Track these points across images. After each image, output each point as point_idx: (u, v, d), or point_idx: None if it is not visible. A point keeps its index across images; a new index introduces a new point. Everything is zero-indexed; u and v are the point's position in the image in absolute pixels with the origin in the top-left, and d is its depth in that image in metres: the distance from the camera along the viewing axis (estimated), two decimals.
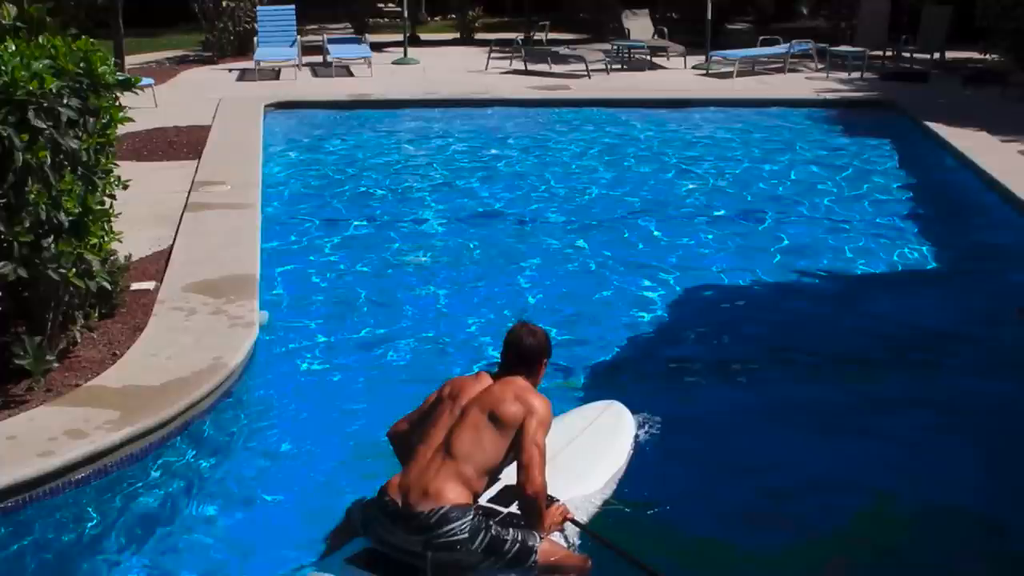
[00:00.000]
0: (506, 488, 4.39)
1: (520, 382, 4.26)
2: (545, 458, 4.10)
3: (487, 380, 4.31)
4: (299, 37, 18.20)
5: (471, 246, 8.92)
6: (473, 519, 3.93)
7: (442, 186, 10.99)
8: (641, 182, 11.18)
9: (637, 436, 5.28)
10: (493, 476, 4.21)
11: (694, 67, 18.07)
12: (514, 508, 4.29)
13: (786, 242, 9.08)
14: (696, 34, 18.64)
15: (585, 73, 17.03)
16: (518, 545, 3.99)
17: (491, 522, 4.03)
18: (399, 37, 20.08)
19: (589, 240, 9.14)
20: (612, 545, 4.25)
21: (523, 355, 4.36)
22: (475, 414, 4.12)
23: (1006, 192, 9.84)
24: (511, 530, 4.04)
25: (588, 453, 4.93)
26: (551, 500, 4.28)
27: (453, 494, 3.93)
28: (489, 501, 4.35)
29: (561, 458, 4.65)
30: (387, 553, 4.03)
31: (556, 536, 4.25)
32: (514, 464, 4.14)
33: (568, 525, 4.35)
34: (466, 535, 3.89)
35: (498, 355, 4.52)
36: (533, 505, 4.09)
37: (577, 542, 4.35)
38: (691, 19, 20.25)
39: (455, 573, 3.97)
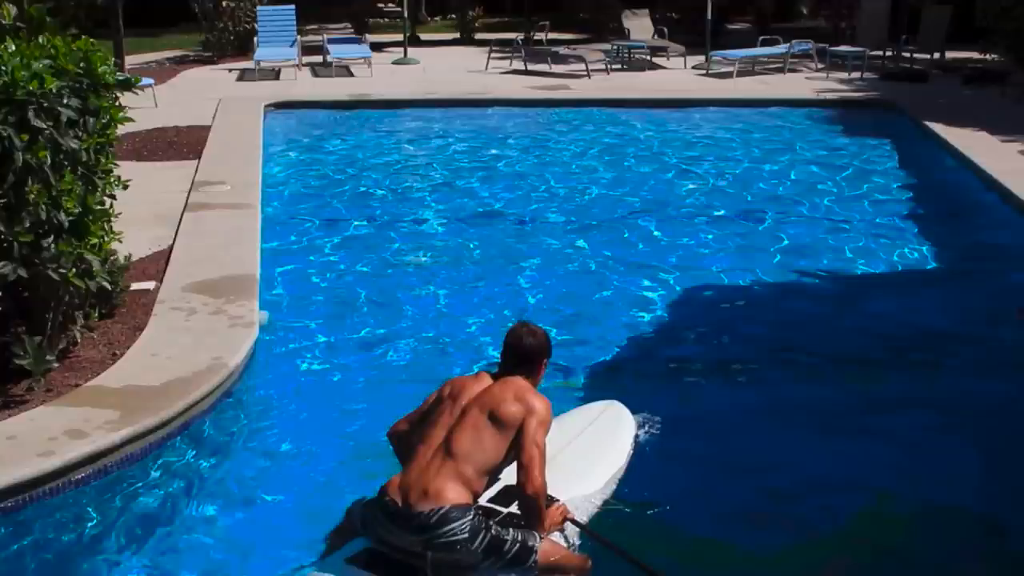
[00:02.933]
0: (506, 488, 4.39)
1: (520, 382, 4.26)
2: (545, 458, 4.10)
3: (487, 380, 4.31)
4: (299, 37, 18.19)
5: (471, 246, 8.92)
6: (473, 519, 3.93)
7: (442, 186, 10.99)
8: (641, 182, 11.18)
9: (637, 436, 5.28)
10: (493, 476, 4.21)
11: (694, 67, 18.07)
12: (514, 508, 4.29)
13: (786, 242, 9.08)
14: (696, 34, 18.64)
15: (585, 73, 17.03)
16: (518, 545, 3.99)
17: (491, 522, 4.03)
18: (399, 37, 20.09)
19: (589, 240, 9.14)
20: (612, 545, 4.25)
21: (523, 355, 4.36)
22: (475, 414, 4.12)
23: (1006, 192, 9.83)
24: (511, 530, 4.04)
25: (588, 453, 4.93)
26: (551, 500, 4.28)
27: (453, 494, 3.93)
28: (489, 501, 4.35)
29: (561, 458, 4.65)
30: (387, 553, 4.03)
31: (556, 536, 4.25)
32: (514, 464, 4.14)
33: (568, 525, 4.34)
34: (466, 535, 3.89)
35: (498, 355, 4.52)
36: (533, 505, 4.09)
37: (577, 542, 4.35)
38: (691, 19, 20.24)
39: (455, 573, 3.97)
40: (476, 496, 4.07)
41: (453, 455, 4.02)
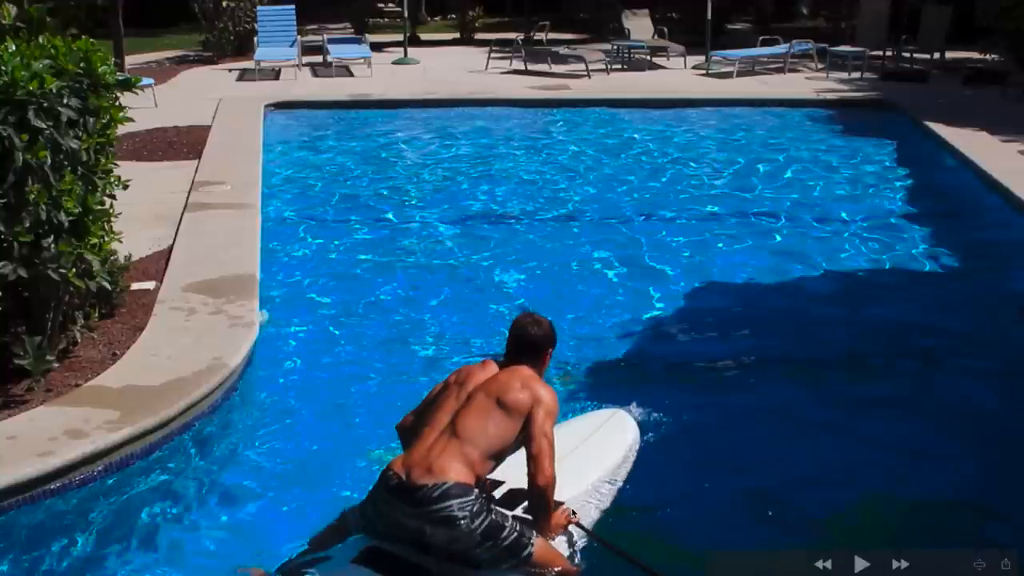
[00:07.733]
0: (511, 492, 4.39)
1: (526, 371, 4.27)
2: (554, 449, 4.10)
3: (494, 367, 4.32)
4: (299, 37, 18.18)
5: (471, 246, 8.91)
6: (475, 499, 3.92)
7: (442, 186, 11.00)
8: (641, 182, 11.17)
9: (640, 444, 5.24)
10: (497, 461, 4.17)
11: (694, 67, 18.06)
12: (519, 512, 4.27)
13: (785, 242, 9.08)
14: (696, 34, 18.63)
15: (585, 73, 17.02)
16: (516, 534, 3.97)
17: (492, 506, 4.03)
18: (399, 37, 20.07)
19: (589, 240, 9.13)
20: (615, 548, 4.25)
21: (529, 345, 4.36)
22: (481, 399, 4.12)
23: (1006, 192, 9.84)
24: (511, 519, 4.04)
25: (592, 460, 4.91)
26: (556, 504, 4.27)
27: (456, 472, 3.93)
28: (494, 504, 4.34)
29: (565, 464, 4.62)
30: (390, 551, 4.00)
31: (560, 540, 4.25)
32: (515, 466, 4.13)
33: (573, 529, 4.34)
34: (466, 513, 3.86)
35: (499, 354, 4.51)
36: (542, 497, 4.09)
37: (580, 546, 4.35)
38: (691, 19, 20.24)
39: (458, 569, 3.96)
40: (479, 479, 4.06)
41: (459, 436, 4.02)
